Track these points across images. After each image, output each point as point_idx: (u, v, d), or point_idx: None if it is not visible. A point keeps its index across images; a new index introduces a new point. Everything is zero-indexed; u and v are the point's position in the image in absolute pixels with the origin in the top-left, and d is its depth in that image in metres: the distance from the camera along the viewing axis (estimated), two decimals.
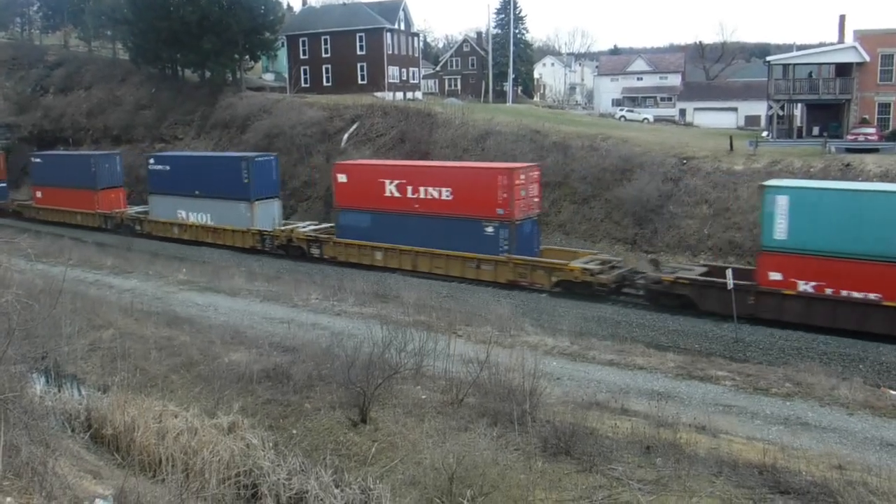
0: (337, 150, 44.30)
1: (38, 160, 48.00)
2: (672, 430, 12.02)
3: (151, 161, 40.49)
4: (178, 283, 27.29)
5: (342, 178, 31.80)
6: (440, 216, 28.28)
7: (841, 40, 47.65)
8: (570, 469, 11.04)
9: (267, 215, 36.10)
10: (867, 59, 40.89)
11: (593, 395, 14.64)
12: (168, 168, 39.64)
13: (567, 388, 15.32)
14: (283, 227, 35.50)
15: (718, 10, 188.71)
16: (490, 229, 27.25)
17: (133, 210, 42.92)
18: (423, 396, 14.09)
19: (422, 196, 28.84)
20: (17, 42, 77.39)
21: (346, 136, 45.79)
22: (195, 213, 38.22)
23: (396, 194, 29.66)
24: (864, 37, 42.07)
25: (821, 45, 63.25)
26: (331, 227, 34.02)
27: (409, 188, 29.26)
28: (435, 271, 28.28)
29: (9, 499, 6.67)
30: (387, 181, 29.94)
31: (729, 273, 21.38)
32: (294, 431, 12.95)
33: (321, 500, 10.28)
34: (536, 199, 29.06)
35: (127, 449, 11.62)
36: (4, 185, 52.18)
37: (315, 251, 32.87)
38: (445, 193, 28.27)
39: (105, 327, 19.25)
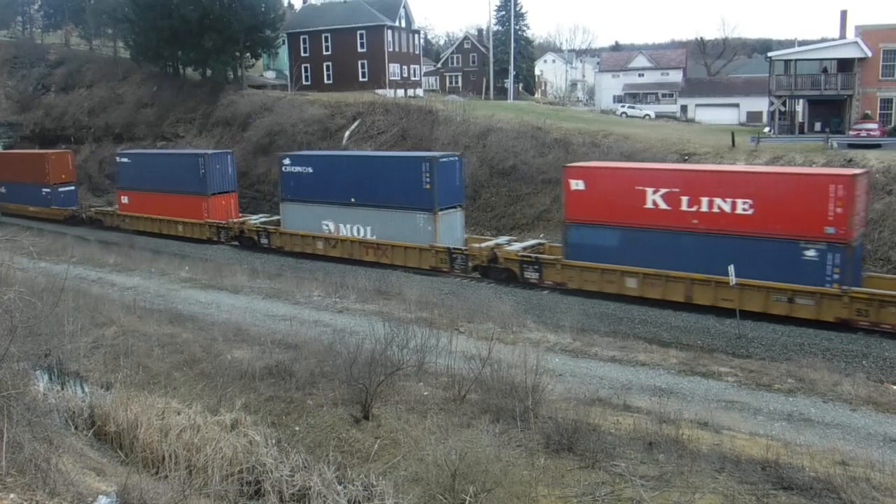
0: (339, 147, 44.28)
1: (125, 160, 42.03)
2: (674, 427, 12.02)
3: (286, 162, 33.44)
4: (181, 281, 27.32)
5: (577, 184, 25.31)
6: (732, 235, 22.26)
7: (843, 36, 47.48)
8: (573, 465, 11.05)
9: (451, 229, 29.78)
10: (869, 54, 40.78)
11: (595, 392, 14.65)
12: (310, 170, 32.57)
13: (569, 384, 15.32)
14: (483, 245, 28.43)
15: (720, 6, 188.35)
16: (812, 252, 21.46)
17: (256, 219, 36.89)
18: (426, 393, 14.10)
19: (703, 209, 22.77)
20: (18, 41, 77.37)
21: (347, 133, 45.77)
22: (349, 226, 31.38)
23: (663, 206, 23.53)
24: (866, 32, 41.95)
25: (823, 40, 63.03)
26: (538, 244, 28.84)
27: (685, 199, 23.16)
28: (722, 304, 22.48)
29: (12, 495, 6.68)
30: (648, 190, 23.80)
31: (731, 269, 21.34)
32: (297, 428, 12.97)
33: (324, 496, 10.29)
34: (863, 214, 23.26)
35: (130, 446, 11.65)
36: (73, 187, 47.06)
37: (531, 275, 26.46)
38: (743, 206, 22.17)
39: (108, 325, 19.29)
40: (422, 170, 29.13)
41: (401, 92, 59.29)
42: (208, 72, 58.00)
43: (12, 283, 9.35)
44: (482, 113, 44.30)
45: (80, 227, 43.17)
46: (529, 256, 26.93)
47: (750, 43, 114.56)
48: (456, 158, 31.08)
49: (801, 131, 44.46)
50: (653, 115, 68.15)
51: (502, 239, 30.25)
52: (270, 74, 72.69)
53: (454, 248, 28.65)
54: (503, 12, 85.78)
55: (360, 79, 60.57)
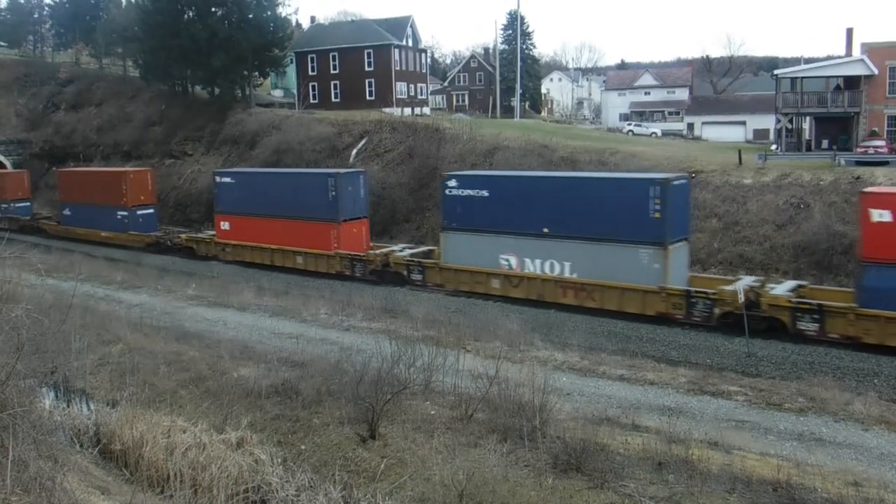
0: (346, 165, 44.46)
1: (226, 179, 36.59)
2: (684, 446, 11.87)
3: (451, 184, 27.93)
4: (188, 299, 27.34)
5: (882, 215, 20.38)
6: None
7: (849, 53, 47.65)
8: (581, 486, 10.92)
9: (679, 266, 24.75)
10: (875, 71, 40.86)
11: (604, 411, 14.51)
12: (485, 194, 27.00)
13: (577, 403, 15.19)
14: (750, 287, 22.65)
15: (725, 24, 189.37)
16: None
17: (402, 250, 31.47)
18: (433, 412, 14.00)
19: None
20: (29, 59, 78.40)
21: (354, 151, 46.00)
22: (539, 261, 25.98)
23: None
24: (871, 49, 42.07)
25: (829, 58, 63.18)
26: (800, 286, 23.96)
27: None
28: None
29: None
30: None
31: (739, 285, 21.21)
32: (303, 447, 12.88)
33: None
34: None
35: (135, 464, 11.58)
36: (153, 210, 42.62)
37: (834, 334, 20.82)
38: None
39: (114, 342, 19.29)
40: (649, 195, 23.73)
41: (408, 110, 59.70)
42: (217, 90, 58.56)
43: (20, 300, 9.36)
44: (489, 131, 44.49)
45: (165, 256, 38.13)
46: (812, 304, 21.33)
47: (756, 61, 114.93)
48: (685, 181, 26.06)
49: (809, 149, 44.46)
50: (659, 133, 68.30)
51: (747, 280, 24.15)
52: (278, 93, 73.37)
53: (696, 292, 23.29)
54: (510, 31, 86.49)
55: (368, 97, 61.01)
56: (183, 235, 39.45)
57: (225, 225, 36.28)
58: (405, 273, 29.36)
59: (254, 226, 34.58)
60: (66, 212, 45.86)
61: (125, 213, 41.47)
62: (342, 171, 34.28)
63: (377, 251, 31.34)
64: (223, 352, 18.27)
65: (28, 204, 52.38)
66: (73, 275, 29.27)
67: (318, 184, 32.74)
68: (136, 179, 42.55)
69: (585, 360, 18.56)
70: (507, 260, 26.63)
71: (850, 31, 49.45)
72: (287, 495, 10.63)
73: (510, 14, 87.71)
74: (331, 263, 31.89)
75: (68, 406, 14.62)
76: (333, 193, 31.77)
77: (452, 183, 28.13)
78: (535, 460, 11.66)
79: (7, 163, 60.12)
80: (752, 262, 28.89)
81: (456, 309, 25.97)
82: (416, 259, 29.70)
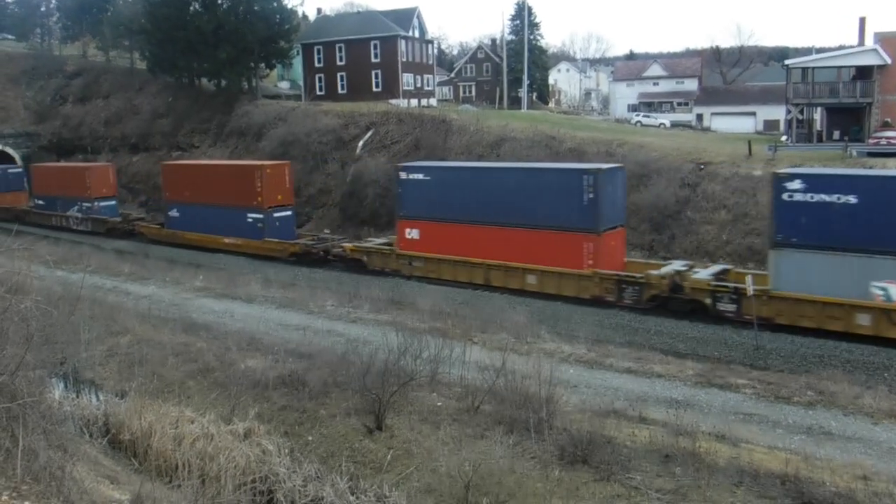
0: (352, 157, 44.45)
1: (417, 175, 29.31)
2: (691, 439, 11.85)
3: (794, 185, 21.24)
4: (195, 290, 27.44)
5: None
6: None
7: (861, 43, 47.16)
8: (588, 478, 10.91)
9: None
10: (888, 61, 40.42)
11: (611, 403, 14.49)
12: (852, 200, 20.36)
13: (584, 395, 15.18)
14: None
15: (735, 14, 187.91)
16: None
17: (698, 272, 24.39)
18: (439, 403, 14.02)
19: None
20: (36, 52, 78.54)
21: (361, 143, 45.95)
22: None
23: None
24: (885, 39, 41.61)
25: (841, 47, 62.58)
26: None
27: None
28: None
29: (27, 503, 6.67)
30: None
31: (749, 279, 21.10)
32: (310, 438, 12.93)
33: None
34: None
35: (144, 454, 11.66)
36: (291, 212, 36.11)
37: None
38: None
39: (122, 333, 19.40)
40: None
41: (414, 102, 59.51)
42: (223, 82, 58.57)
43: (29, 292, 9.39)
44: (496, 122, 44.33)
45: (322, 270, 31.87)
46: None
47: (766, 51, 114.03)
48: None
49: (820, 140, 44.07)
50: (668, 124, 67.87)
51: None
52: (284, 85, 73.32)
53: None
54: (517, 22, 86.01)
55: (374, 89, 60.86)
56: (348, 245, 32.11)
57: (411, 233, 28.91)
58: (708, 301, 22.76)
59: (457, 235, 27.37)
60: (173, 213, 39.17)
61: (259, 216, 34.30)
62: (602, 166, 26.72)
63: (658, 271, 24.38)
64: (230, 343, 18.34)
65: (114, 202, 46.34)
66: (82, 266, 29.44)
67: (566, 182, 25.59)
68: (274, 175, 35.17)
69: (592, 353, 18.53)
70: (885, 289, 20.24)
71: (862, 21, 48.93)
72: (294, 486, 10.68)
73: (517, 4, 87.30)
74: (583, 286, 24.94)
75: (77, 396, 14.73)
76: (591, 195, 24.69)
77: (796, 185, 21.31)
78: (541, 452, 11.66)
79: (16, 155, 60.39)
80: (762, 255, 28.70)
81: (462, 301, 25.95)
82: (725, 284, 23.02)
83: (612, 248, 25.69)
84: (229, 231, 35.84)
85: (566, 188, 25.37)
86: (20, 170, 54.25)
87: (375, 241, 32.39)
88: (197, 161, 47.02)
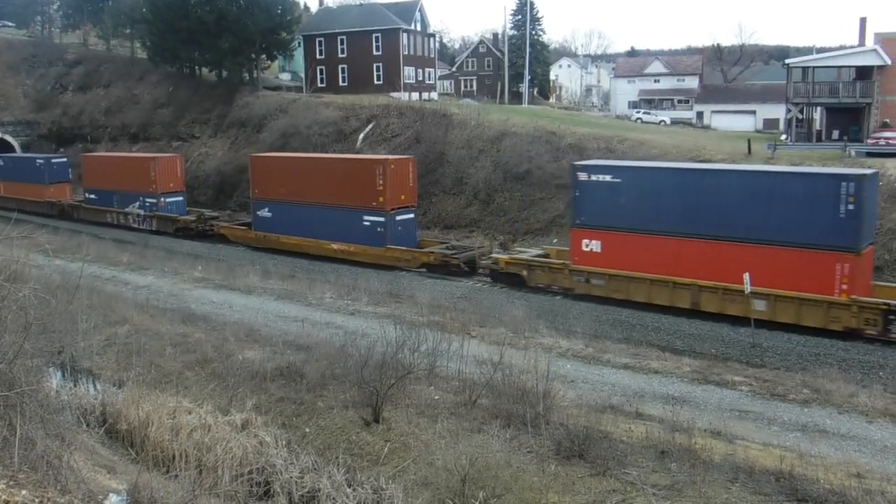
0: (353, 150, 44.40)
1: (601, 176, 24.65)
2: (687, 435, 11.90)
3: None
4: (194, 281, 27.44)
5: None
6: None
7: (861, 43, 47.10)
8: (584, 472, 10.95)
9: None
10: (888, 62, 40.39)
11: (608, 399, 14.54)
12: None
13: (581, 390, 15.22)
14: None
15: (737, 12, 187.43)
16: None
17: None
18: (437, 397, 14.05)
19: None
20: (37, 40, 78.32)
21: (361, 135, 45.90)
22: None
23: None
24: (885, 39, 41.56)
25: (841, 47, 62.48)
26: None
27: None
28: None
29: (24, 492, 6.69)
30: None
31: (746, 277, 21.13)
32: (307, 430, 12.96)
33: (333, 499, 10.27)
34: None
35: (141, 444, 11.69)
36: (412, 215, 31.50)
37: None
38: None
39: (121, 323, 19.40)
40: None
41: (415, 95, 59.38)
42: (224, 73, 58.46)
43: (27, 281, 9.41)
44: (497, 117, 44.27)
45: (464, 282, 27.87)
46: None
47: (767, 50, 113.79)
48: None
49: (819, 139, 44.08)
50: (668, 122, 67.84)
51: None
52: (286, 76, 73.10)
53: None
54: (519, 17, 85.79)
55: (375, 82, 60.73)
56: (502, 257, 27.67)
57: (591, 244, 24.75)
58: None
59: (654, 249, 23.27)
60: (264, 213, 34.52)
61: (379, 219, 29.94)
62: (864, 171, 22.89)
63: None
64: (229, 334, 18.36)
65: (182, 198, 42.02)
66: (81, 256, 29.43)
67: (815, 190, 21.11)
68: (398, 171, 30.61)
69: (590, 348, 18.58)
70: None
71: (863, 21, 48.86)
72: (291, 477, 10.72)
73: None
74: (834, 315, 20.65)
75: (75, 386, 14.76)
76: (851, 206, 20.24)
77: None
78: (538, 447, 11.70)
79: (15, 144, 60.27)
80: None
81: (461, 295, 25.98)
82: None
83: (866, 271, 21.98)
84: (339, 235, 31.13)
85: (814, 197, 20.97)
86: (64, 159, 50.44)
87: (530, 252, 28.27)
88: (300, 154, 40.64)
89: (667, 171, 26.04)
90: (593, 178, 24.86)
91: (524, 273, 26.61)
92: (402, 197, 30.83)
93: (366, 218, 30.45)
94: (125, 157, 47.48)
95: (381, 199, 30.02)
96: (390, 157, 33.04)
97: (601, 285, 24.63)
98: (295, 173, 33.97)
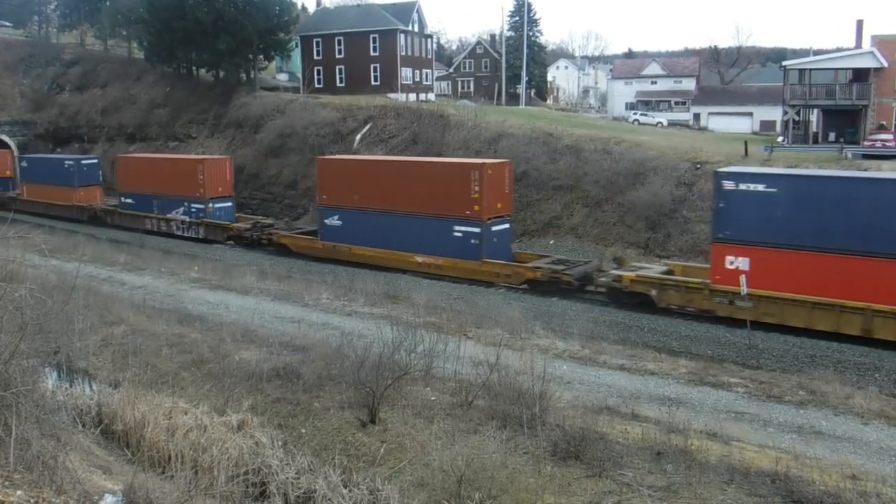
0: (349, 151, 44.40)
1: (753, 186, 21.90)
2: (683, 437, 11.92)
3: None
4: (190, 281, 27.41)
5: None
6: None
7: (858, 45, 47.24)
8: (580, 474, 10.97)
9: None
10: (885, 64, 40.51)
11: (604, 400, 14.56)
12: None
13: (577, 392, 15.23)
14: None
15: (734, 14, 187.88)
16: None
17: None
18: (433, 398, 14.05)
19: None
20: (34, 40, 78.13)
21: (358, 136, 45.89)
22: None
23: None
24: (882, 42, 41.72)
25: (838, 49, 62.67)
26: None
27: None
28: None
29: (19, 492, 6.68)
30: None
31: (743, 279, 21.18)
32: (303, 430, 12.95)
33: (329, 499, 10.26)
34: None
35: (137, 445, 11.67)
36: (508, 224, 28.92)
37: None
38: None
39: (117, 323, 19.37)
40: None
41: (412, 96, 59.40)
42: (221, 73, 58.38)
43: (23, 280, 9.39)
44: (494, 118, 44.30)
45: (575, 302, 25.16)
46: None
47: (764, 52, 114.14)
48: None
49: (815, 141, 44.17)
50: (665, 123, 67.90)
51: None
52: (283, 77, 73.04)
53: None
54: (516, 18, 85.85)
55: (373, 82, 60.74)
56: (627, 274, 24.72)
57: (736, 262, 22.10)
58: None
59: (818, 268, 20.68)
60: (332, 221, 31.59)
61: (474, 230, 27.07)
62: None
63: None
64: (225, 335, 18.34)
65: (231, 204, 38.90)
66: (77, 256, 29.37)
67: None
68: (495, 176, 27.81)
69: (586, 349, 18.60)
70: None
71: (860, 23, 48.95)
72: (287, 478, 10.70)
73: (517, 0, 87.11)
74: None
75: (71, 386, 14.73)
76: None
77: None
78: (534, 448, 11.71)
79: (11, 143, 60.12)
80: None
81: (458, 296, 25.98)
82: None
83: None
84: (424, 247, 28.35)
85: None
86: (95, 160, 47.52)
87: (654, 269, 25.52)
88: (378, 157, 37.74)
89: (835, 179, 23.07)
90: (742, 187, 21.98)
91: (652, 293, 23.74)
92: (499, 205, 28.04)
93: (457, 228, 27.60)
94: (168, 160, 44.09)
95: (476, 207, 27.16)
96: (487, 161, 29.81)
97: (748, 307, 21.71)
98: (372, 178, 30.90)
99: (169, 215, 39.26)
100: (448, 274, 28.09)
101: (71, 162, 46.50)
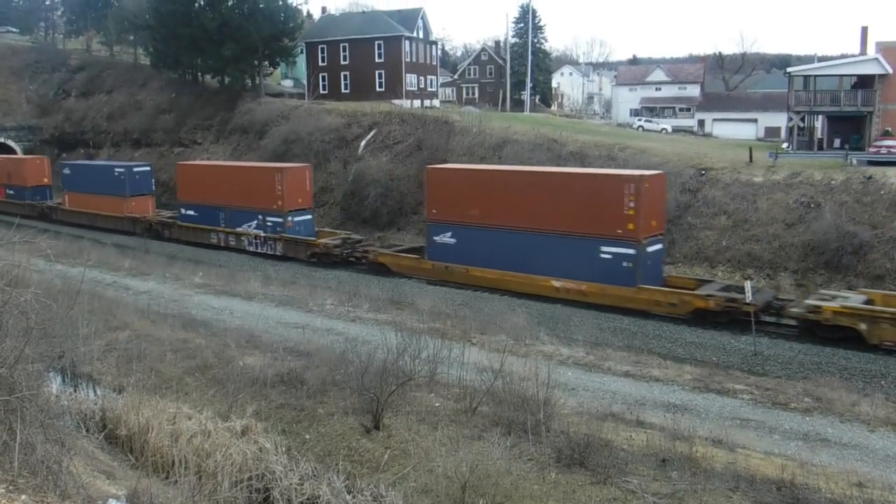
0: (354, 157, 44.48)
1: None
2: (688, 444, 11.86)
3: None
4: (195, 287, 27.44)
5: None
6: None
7: (863, 52, 47.23)
8: (585, 481, 10.92)
9: None
10: (889, 70, 40.47)
11: (608, 407, 14.50)
12: None
13: (582, 398, 15.18)
14: None
15: (738, 21, 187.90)
16: None
17: None
18: (437, 404, 14.02)
19: None
20: (40, 46, 78.64)
21: (363, 142, 45.98)
22: None
23: None
24: (886, 49, 41.68)
25: (843, 56, 62.68)
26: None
27: None
28: None
29: (24, 496, 6.67)
30: None
31: (748, 286, 21.12)
32: (307, 436, 12.93)
33: None
34: None
35: (140, 450, 11.66)
36: (661, 245, 25.98)
37: None
38: None
39: (121, 328, 19.40)
40: None
41: (417, 102, 59.55)
42: (226, 79, 58.63)
43: (29, 285, 9.42)
44: (498, 124, 44.36)
45: (767, 338, 21.76)
46: None
47: (769, 58, 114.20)
48: None
49: (820, 147, 44.13)
50: (669, 130, 67.94)
51: None
52: (288, 83, 73.36)
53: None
54: (521, 24, 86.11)
55: (377, 89, 60.90)
56: (829, 305, 21.23)
57: None
58: None
59: None
60: (444, 238, 28.08)
61: (626, 251, 23.84)
62: None
63: None
64: (229, 340, 18.35)
65: (310, 217, 35.68)
66: (82, 261, 29.44)
67: None
68: (652, 189, 24.66)
69: (591, 356, 18.54)
70: None
71: (864, 30, 49.03)
72: (291, 484, 10.68)
73: (522, 7, 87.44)
74: None
75: (75, 391, 14.74)
76: None
77: None
78: (538, 454, 11.67)
79: (18, 148, 60.44)
80: (761, 261, 28.76)
81: (462, 302, 25.95)
82: None
83: None
84: (562, 270, 25.01)
85: None
86: (148, 168, 44.33)
87: (854, 298, 21.95)
88: (500, 167, 33.14)
89: None
90: None
91: (862, 327, 20.41)
92: (654, 223, 24.84)
93: (605, 249, 24.17)
94: (240, 168, 40.19)
95: (630, 225, 23.72)
96: (645, 172, 26.11)
97: None
98: (496, 190, 27.15)
99: (239, 229, 35.93)
100: (593, 301, 24.51)
101: (122, 169, 42.99)
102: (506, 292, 26.20)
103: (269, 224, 34.59)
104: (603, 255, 24.23)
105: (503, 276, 26.49)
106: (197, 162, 45.06)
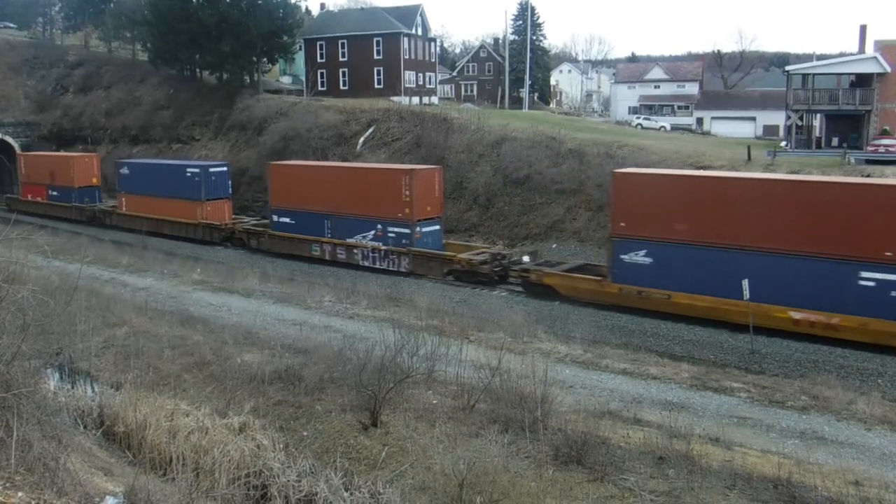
0: (353, 154, 44.45)
1: None
2: (685, 442, 11.89)
3: None
4: (193, 283, 27.43)
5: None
6: None
7: (862, 50, 47.25)
8: (582, 478, 10.94)
9: None
10: (888, 69, 40.51)
11: (606, 404, 14.53)
12: None
13: (579, 396, 15.21)
14: None
15: (737, 19, 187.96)
16: None
17: None
18: (435, 401, 14.03)
19: None
20: (38, 41, 78.39)
21: (361, 139, 45.95)
22: None
23: None
24: (885, 47, 41.72)
25: (841, 55, 62.70)
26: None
27: None
28: None
29: (20, 493, 6.67)
30: None
31: (745, 284, 21.13)
32: (304, 433, 12.94)
33: (330, 503, 10.24)
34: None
35: (138, 446, 11.66)
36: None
37: None
38: None
39: (119, 325, 19.39)
40: None
41: (416, 99, 59.48)
42: (225, 76, 58.53)
43: (26, 281, 9.40)
44: (497, 122, 44.34)
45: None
46: None
47: (767, 56, 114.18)
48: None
49: (819, 146, 44.19)
50: (668, 127, 67.94)
51: None
52: (286, 79, 73.22)
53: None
54: (520, 22, 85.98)
55: (376, 86, 60.85)
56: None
57: None
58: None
59: None
60: (637, 257, 23.33)
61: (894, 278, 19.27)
62: None
63: None
64: (227, 337, 18.34)
65: (439, 227, 30.80)
66: (79, 257, 29.41)
67: None
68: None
69: (588, 353, 18.56)
70: None
71: (863, 28, 49.00)
72: (288, 480, 10.68)
73: (520, 4, 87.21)
74: None
75: (73, 387, 14.74)
76: None
77: None
78: (536, 452, 11.69)
79: (15, 144, 60.26)
80: None
81: (460, 299, 25.97)
82: None
83: None
84: (803, 299, 20.44)
85: None
86: (224, 168, 39.25)
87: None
88: (712, 172, 28.31)
89: None
90: None
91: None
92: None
93: (866, 275, 19.64)
94: (352, 169, 34.28)
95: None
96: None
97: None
98: (711, 200, 22.30)
99: (351, 241, 31.01)
100: (847, 337, 19.91)
101: (196, 170, 38.11)
102: (718, 323, 21.94)
103: (390, 235, 29.67)
104: (863, 282, 19.76)
105: (718, 305, 21.66)
106: (296, 162, 38.60)
